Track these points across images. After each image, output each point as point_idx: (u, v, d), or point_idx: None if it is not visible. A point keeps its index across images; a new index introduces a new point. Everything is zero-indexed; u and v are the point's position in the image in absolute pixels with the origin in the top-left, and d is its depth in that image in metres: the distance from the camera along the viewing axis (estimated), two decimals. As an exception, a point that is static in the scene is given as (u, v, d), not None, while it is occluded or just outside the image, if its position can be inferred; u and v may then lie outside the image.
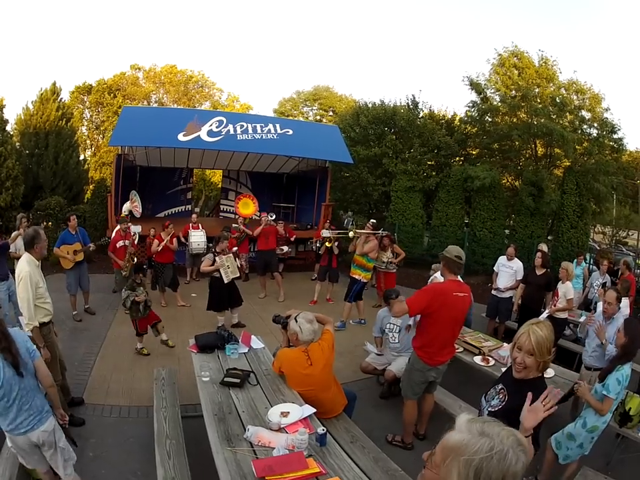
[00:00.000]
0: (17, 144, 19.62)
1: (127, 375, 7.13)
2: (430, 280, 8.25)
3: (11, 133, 18.38)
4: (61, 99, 21.91)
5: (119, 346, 8.26)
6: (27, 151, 19.84)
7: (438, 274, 7.09)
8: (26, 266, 4.98)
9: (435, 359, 5.07)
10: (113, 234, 10.84)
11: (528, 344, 2.85)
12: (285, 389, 4.43)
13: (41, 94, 20.99)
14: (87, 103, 31.66)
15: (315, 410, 4.00)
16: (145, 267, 9.65)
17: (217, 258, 8.68)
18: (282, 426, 3.71)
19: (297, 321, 4.57)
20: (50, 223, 15.84)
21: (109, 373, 7.17)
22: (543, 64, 17.73)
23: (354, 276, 9.67)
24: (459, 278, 5.11)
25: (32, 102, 21.09)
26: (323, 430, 3.60)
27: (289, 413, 3.89)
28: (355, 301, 9.80)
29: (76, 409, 5.90)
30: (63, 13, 62.95)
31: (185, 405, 5.41)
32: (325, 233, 11.08)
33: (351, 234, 10.05)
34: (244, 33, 73.04)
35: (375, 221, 10.67)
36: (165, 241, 10.38)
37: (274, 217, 12.05)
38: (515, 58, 18.17)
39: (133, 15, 66.27)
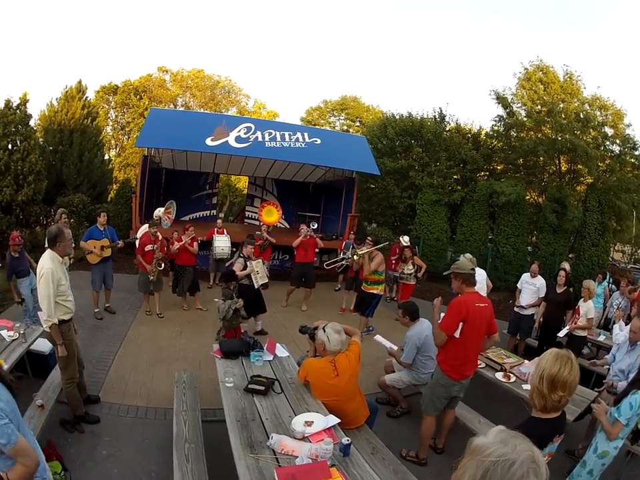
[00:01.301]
0: (41, 140, 19.64)
1: (145, 376, 7.08)
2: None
3: (35, 128, 18.45)
4: (87, 97, 22.14)
5: (138, 347, 8.24)
6: (51, 147, 19.98)
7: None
8: (48, 262, 4.92)
9: (461, 372, 5.03)
10: (138, 234, 10.90)
11: None
12: (309, 398, 4.38)
13: (66, 91, 21.22)
14: (113, 103, 31.93)
15: (339, 420, 3.96)
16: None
17: (247, 263, 8.61)
18: (306, 435, 3.66)
19: (324, 331, 4.53)
20: (72, 220, 15.88)
21: (127, 372, 7.13)
22: (568, 79, 17.72)
23: (373, 292, 9.58)
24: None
25: (56, 99, 21.32)
26: (348, 440, 3.56)
27: (313, 422, 3.84)
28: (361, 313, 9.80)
29: (91, 407, 5.88)
30: (87, 11, 63.50)
31: (204, 410, 5.34)
32: (349, 255, 10.98)
33: (355, 257, 9.85)
34: (272, 40, 73.27)
35: (407, 237, 10.94)
36: (183, 242, 10.34)
37: (315, 225, 11.94)
38: (541, 72, 18.16)
39: (160, 16, 66.75)
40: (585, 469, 4.39)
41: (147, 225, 10.85)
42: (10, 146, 15.13)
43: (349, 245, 11.73)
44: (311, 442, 3.59)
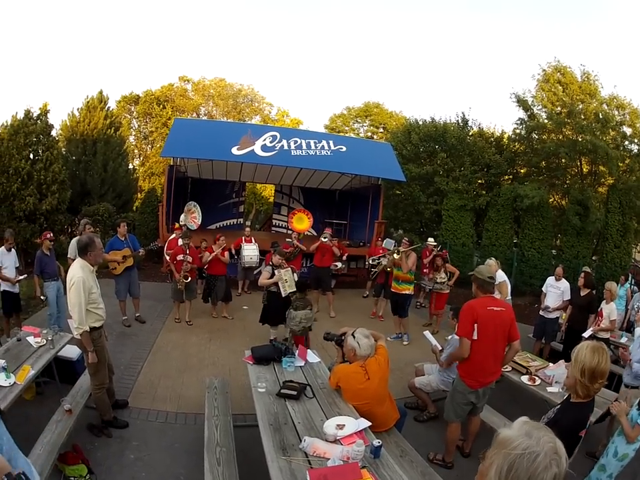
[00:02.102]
0: (63, 150, 19.86)
1: (175, 381, 7.15)
2: None
3: (57, 138, 18.52)
4: (109, 107, 22.32)
5: (167, 353, 8.31)
6: (74, 157, 20.15)
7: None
8: (79, 271, 5.00)
9: (477, 379, 5.01)
10: (167, 243, 11.02)
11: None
12: (340, 402, 4.41)
13: (87, 101, 21.37)
14: (135, 113, 32.09)
15: (370, 423, 3.98)
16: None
17: (275, 271, 8.64)
18: (338, 437, 3.69)
19: (354, 337, 4.55)
20: (98, 229, 16.00)
21: (156, 378, 7.20)
22: (585, 79, 17.49)
23: (404, 292, 9.69)
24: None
25: (77, 109, 21.47)
26: (379, 442, 3.59)
27: (344, 425, 3.87)
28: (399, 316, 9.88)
29: (120, 412, 5.95)
30: (106, 21, 63.94)
31: (234, 415, 5.32)
32: (384, 261, 11.11)
33: (396, 255, 9.88)
34: (293, 47, 73.15)
35: (432, 239, 11.08)
36: (215, 253, 10.32)
37: (330, 233, 11.84)
38: (559, 73, 17.94)
39: (179, 26, 66.93)
40: (605, 473, 4.35)
41: (174, 235, 10.96)
42: (32, 156, 15.31)
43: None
44: (342, 444, 3.62)
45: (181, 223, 12.42)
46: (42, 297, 8.66)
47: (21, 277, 8.63)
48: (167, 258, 10.72)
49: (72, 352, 6.45)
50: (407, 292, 9.72)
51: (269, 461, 3.41)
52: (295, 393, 4.48)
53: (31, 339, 5.91)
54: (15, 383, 4.75)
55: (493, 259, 9.42)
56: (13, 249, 8.63)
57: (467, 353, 4.86)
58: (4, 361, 4.93)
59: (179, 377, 7.34)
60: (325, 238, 11.52)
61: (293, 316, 7.67)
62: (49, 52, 62.84)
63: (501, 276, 9.07)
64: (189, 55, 66.47)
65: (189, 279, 9.86)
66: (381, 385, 4.47)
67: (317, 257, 11.74)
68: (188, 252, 9.91)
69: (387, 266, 10.77)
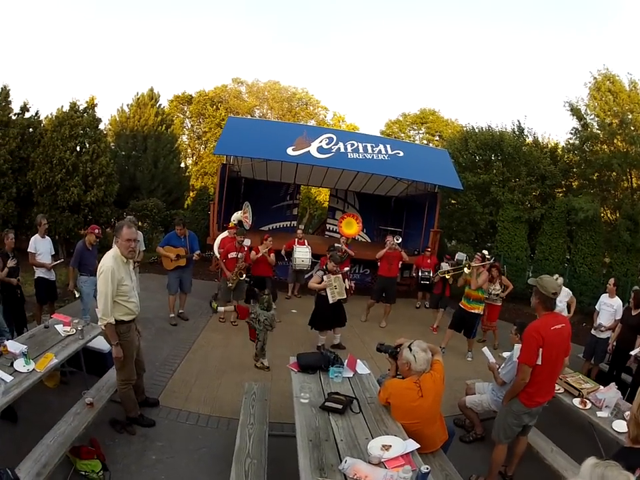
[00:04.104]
0: (112, 144, 20.20)
1: (212, 382, 6.90)
2: None
3: (105, 132, 18.78)
4: (160, 104, 22.60)
5: (207, 353, 8.05)
6: (123, 152, 20.50)
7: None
8: (110, 261, 4.82)
9: (534, 399, 4.66)
10: (218, 240, 10.89)
11: None
12: (388, 420, 4.04)
13: (138, 98, 21.70)
14: (188, 112, 32.57)
15: (418, 445, 3.62)
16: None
17: (324, 277, 8.39)
18: (382, 460, 3.32)
19: (411, 350, 4.19)
20: (146, 224, 15.96)
21: (192, 378, 6.99)
22: (633, 88, 16.92)
23: (473, 311, 9.28)
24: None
25: (127, 105, 21.86)
26: (427, 469, 3.18)
27: (390, 446, 3.49)
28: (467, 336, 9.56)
29: (148, 410, 5.75)
30: (155, 21, 65.28)
31: (271, 423, 5.04)
32: (444, 266, 10.94)
33: (466, 270, 9.54)
34: (349, 52, 73.10)
35: (486, 252, 10.23)
36: (262, 252, 10.08)
37: (399, 240, 11.48)
38: (608, 82, 17.39)
39: (233, 27, 68.04)
40: None
41: (225, 233, 10.77)
42: (78, 148, 15.38)
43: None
44: (387, 467, 3.26)
45: (233, 221, 12.21)
46: (75, 292, 8.49)
47: (56, 262, 8.55)
48: (217, 256, 10.49)
49: (103, 344, 6.30)
50: (477, 311, 9.30)
51: (302, 480, 3.08)
52: (340, 406, 4.12)
53: (59, 327, 5.78)
54: (33, 369, 4.59)
55: (560, 279, 8.98)
56: (47, 236, 8.54)
57: (527, 379, 4.49)
58: (25, 346, 4.79)
59: (217, 378, 7.08)
60: (398, 240, 11.32)
61: (256, 313, 7.39)
62: (100, 50, 64.87)
63: (568, 292, 8.81)
64: (242, 57, 67.81)
65: (243, 275, 9.71)
66: (434, 403, 4.12)
67: (384, 267, 11.06)
68: (240, 250, 9.72)
69: (445, 273, 10.53)
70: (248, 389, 5.54)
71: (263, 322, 7.29)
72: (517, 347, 5.33)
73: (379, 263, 11.22)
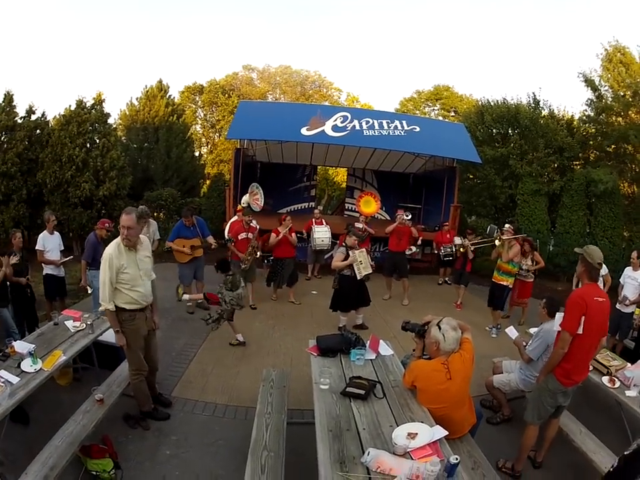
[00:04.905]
0: (123, 138, 20.48)
1: (229, 371, 6.75)
2: None
3: (114, 126, 18.93)
4: (170, 95, 22.61)
5: (226, 340, 7.79)
6: (135, 145, 20.59)
7: None
8: (111, 248, 4.85)
9: (572, 377, 4.50)
10: (228, 225, 10.62)
11: None
12: (413, 405, 3.83)
13: (147, 91, 21.78)
14: (200, 102, 32.56)
15: (446, 432, 3.39)
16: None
17: (350, 252, 8.16)
18: (408, 450, 3.09)
19: (440, 328, 3.95)
20: (162, 214, 15.92)
21: (209, 366, 6.85)
22: None
23: (502, 283, 9.21)
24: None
25: (137, 98, 21.98)
26: (457, 459, 2.93)
27: (417, 434, 3.26)
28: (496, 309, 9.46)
29: (161, 409, 5.58)
30: (160, 14, 65.18)
31: (290, 410, 4.87)
32: (457, 240, 10.90)
33: (497, 242, 9.38)
34: (359, 31, 72.40)
35: (513, 224, 9.95)
36: (283, 233, 9.87)
37: (410, 216, 11.31)
38: (619, 53, 17.11)
39: (241, 14, 67.45)
40: None
41: (235, 217, 10.62)
42: (88, 144, 15.41)
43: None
44: (412, 458, 3.07)
45: (243, 204, 12.02)
46: (87, 287, 8.35)
47: (65, 259, 8.47)
48: (229, 245, 10.14)
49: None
50: (505, 283, 9.18)
51: (322, 476, 2.90)
52: (362, 392, 3.89)
53: (69, 323, 5.72)
54: (41, 369, 4.50)
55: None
56: (56, 232, 8.47)
57: (566, 349, 4.31)
58: (33, 345, 4.69)
59: (235, 366, 6.92)
60: (407, 216, 11.08)
61: (223, 296, 7.25)
62: (106, 46, 64.78)
63: (604, 268, 8.53)
64: (252, 44, 67.09)
65: (258, 253, 9.58)
66: (462, 385, 3.89)
67: (393, 241, 11.01)
68: (249, 229, 9.57)
69: (463, 248, 10.43)
70: (265, 375, 5.34)
71: (229, 302, 7.20)
72: (559, 315, 5.11)
73: (389, 239, 11.13)
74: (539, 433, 4.84)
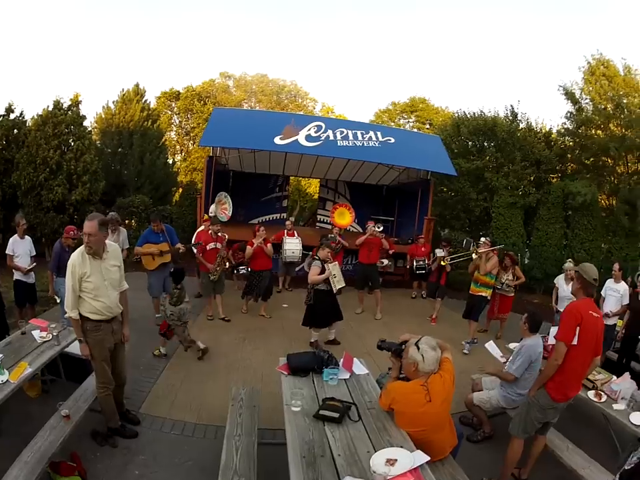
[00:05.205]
0: (98, 142, 20.16)
1: (199, 386, 6.55)
2: None
3: (90, 129, 18.67)
4: (146, 100, 22.45)
5: (195, 354, 7.60)
6: (109, 150, 20.33)
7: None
8: (74, 255, 4.76)
9: (564, 392, 4.52)
10: (195, 235, 10.52)
11: None
12: (391, 428, 3.67)
13: (123, 94, 21.60)
14: (175, 108, 32.52)
15: (428, 458, 3.24)
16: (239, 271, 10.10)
17: (325, 266, 8.02)
18: (387, 478, 2.93)
19: (418, 348, 3.80)
20: (133, 221, 15.97)
21: (178, 382, 6.65)
22: (627, 72, 16.95)
23: (480, 294, 9.25)
24: None
25: (113, 102, 21.77)
26: None
27: (396, 460, 3.10)
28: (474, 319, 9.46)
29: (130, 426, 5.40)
30: (140, 17, 65.06)
31: (261, 430, 4.72)
32: (439, 253, 10.73)
33: (474, 255, 9.42)
34: (336, 42, 73.12)
35: (487, 237, 10.09)
36: (256, 244, 9.68)
37: (381, 228, 11.29)
38: (602, 66, 17.47)
39: (219, 21, 67.78)
40: None
41: (202, 227, 10.61)
42: (63, 146, 15.19)
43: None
44: None
45: (210, 214, 12.03)
46: (55, 297, 8.19)
47: (31, 266, 8.23)
48: (195, 250, 9.99)
49: (82, 348, 5.96)
50: (484, 294, 9.24)
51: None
52: (336, 415, 3.75)
53: (36, 333, 5.61)
54: (7, 380, 4.46)
55: (570, 260, 8.85)
56: (27, 236, 8.26)
57: (560, 360, 4.34)
58: (1, 355, 4.67)
59: (204, 381, 6.74)
60: (379, 228, 11.02)
61: (165, 309, 7.19)
62: (85, 47, 64.68)
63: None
64: (229, 51, 68.16)
65: (227, 264, 9.53)
66: (443, 408, 3.75)
67: (364, 253, 10.89)
68: (217, 239, 9.47)
69: (441, 260, 10.36)
70: (235, 394, 5.15)
71: (169, 317, 7.08)
72: (554, 329, 5.26)
73: (359, 251, 11.05)
74: (524, 450, 4.79)
